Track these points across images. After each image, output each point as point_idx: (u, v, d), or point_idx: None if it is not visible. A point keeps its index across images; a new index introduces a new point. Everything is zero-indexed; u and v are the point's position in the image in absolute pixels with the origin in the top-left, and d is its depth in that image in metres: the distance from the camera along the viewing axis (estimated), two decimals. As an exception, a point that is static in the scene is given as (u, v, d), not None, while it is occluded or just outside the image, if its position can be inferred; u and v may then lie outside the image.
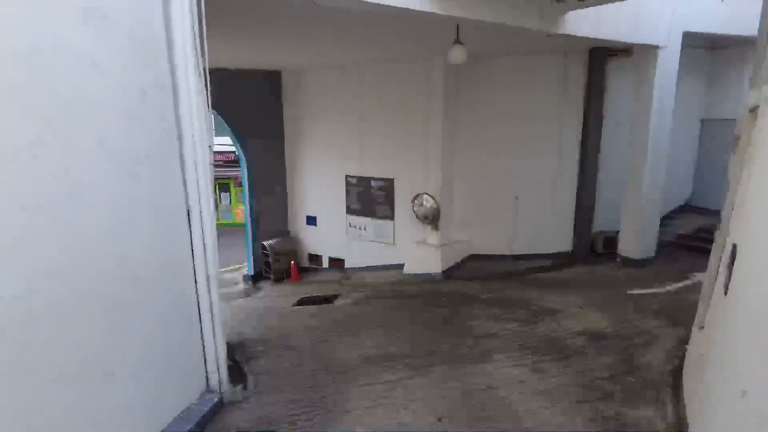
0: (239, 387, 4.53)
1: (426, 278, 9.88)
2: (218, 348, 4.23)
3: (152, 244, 3.36)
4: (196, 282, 4.02)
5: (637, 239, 8.81)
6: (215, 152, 20.59)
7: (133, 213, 3.08)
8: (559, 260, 9.93)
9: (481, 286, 8.99)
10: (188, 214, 3.85)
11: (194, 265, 3.97)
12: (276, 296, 11.48)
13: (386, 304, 8.52)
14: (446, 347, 5.55)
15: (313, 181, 12.68)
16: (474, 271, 10.02)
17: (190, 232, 3.89)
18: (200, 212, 3.90)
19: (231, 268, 15.45)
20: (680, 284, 7.62)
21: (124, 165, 2.97)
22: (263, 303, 10.84)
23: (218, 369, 4.24)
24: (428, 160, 10.00)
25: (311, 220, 12.98)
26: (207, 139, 3.95)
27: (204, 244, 3.98)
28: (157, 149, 3.35)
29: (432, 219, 9.80)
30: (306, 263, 13.34)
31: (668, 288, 7.48)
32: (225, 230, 20.43)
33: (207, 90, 3.97)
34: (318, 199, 12.68)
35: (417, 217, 9.99)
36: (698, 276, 7.96)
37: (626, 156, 9.09)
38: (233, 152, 18.42)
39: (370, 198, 11.52)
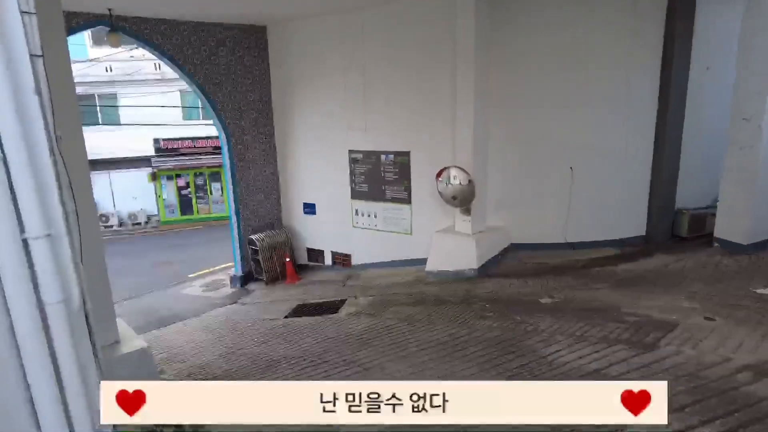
0: None
1: (456, 276, 7.61)
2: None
3: None
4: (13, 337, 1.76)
5: (745, 217, 6.47)
6: (203, 138, 18.31)
7: None
8: (631, 248, 7.62)
9: (534, 285, 6.72)
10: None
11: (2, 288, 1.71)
12: (267, 302, 9.28)
13: (406, 314, 6.27)
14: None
15: (309, 160, 10.39)
16: (518, 266, 7.74)
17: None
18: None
19: (218, 267, 13.27)
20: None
21: None
22: (249, 312, 8.62)
23: None
24: (456, 125, 7.68)
25: (309, 208, 10.72)
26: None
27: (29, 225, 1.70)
28: None
29: (463, 199, 7.51)
30: (304, 260, 11.09)
31: (823, 285, 5.17)
32: (215, 224, 18.07)
33: None
34: (316, 182, 10.40)
35: (443, 197, 7.70)
36: None
37: (723, 109, 6.77)
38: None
39: (380, 177, 9.23)
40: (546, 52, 7.52)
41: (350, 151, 9.55)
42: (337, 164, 9.79)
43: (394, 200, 9.13)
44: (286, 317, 7.66)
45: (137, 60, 19.31)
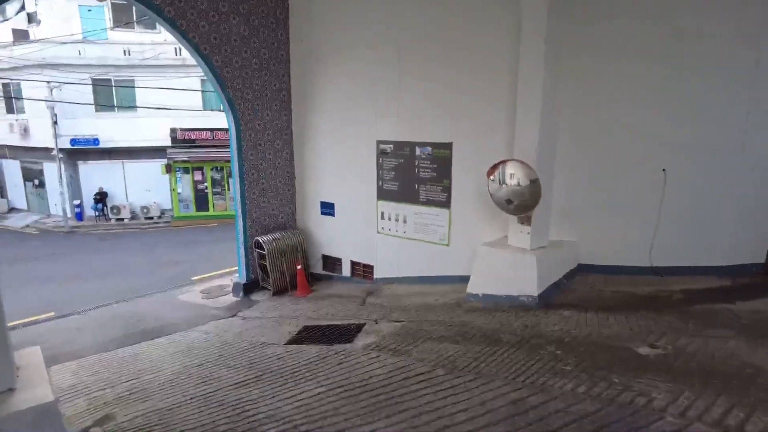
0: None
1: (508, 303, 5.88)
2: None
3: None
4: None
5: None
6: (222, 129, 17.12)
7: None
8: (744, 278, 5.76)
9: (620, 324, 4.93)
10: None
11: None
12: (270, 319, 7.69)
13: (444, 354, 4.59)
14: None
15: (330, 152, 8.81)
16: (591, 295, 5.95)
17: None
18: None
19: (224, 271, 11.85)
20: None
21: None
22: (246, 331, 7.04)
23: None
24: (518, 109, 5.98)
25: (327, 209, 9.14)
26: None
27: None
28: None
29: (521, 204, 5.79)
30: (319, 269, 9.50)
31: None
32: (231, 223, 16.95)
33: None
34: (337, 178, 8.81)
35: (495, 200, 6.00)
36: None
37: None
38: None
39: (413, 174, 7.57)
40: (639, 18, 5.76)
41: (378, 142, 7.93)
42: (363, 157, 8.19)
43: (429, 203, 7.45)
44: (287, 342, 6.04)
45: (158, 44, 18.18)
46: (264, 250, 8.89)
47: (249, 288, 9.28)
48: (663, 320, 4.90)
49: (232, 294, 9.54)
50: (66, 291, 11.66)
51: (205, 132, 18.71)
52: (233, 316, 8.30)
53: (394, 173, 7.81)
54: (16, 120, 19.34)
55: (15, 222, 19.93)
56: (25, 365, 3.34)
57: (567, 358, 4.16)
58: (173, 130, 18.53)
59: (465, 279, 6.56)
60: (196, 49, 7.99)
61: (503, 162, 5.84)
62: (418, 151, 7.40)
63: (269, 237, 9.04)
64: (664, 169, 5.93)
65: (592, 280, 6.27)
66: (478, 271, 6.27)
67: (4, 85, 19.72)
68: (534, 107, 5.72)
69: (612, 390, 3.46)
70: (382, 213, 8.12)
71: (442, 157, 7.16)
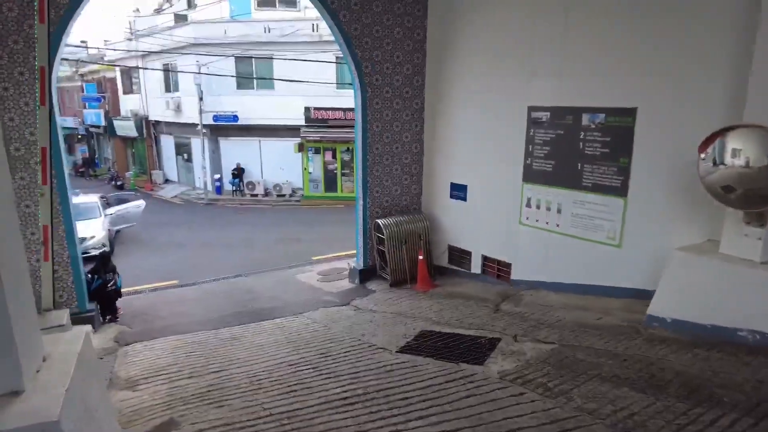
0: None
1: (715, 336, 4.04)
2: None
3: None
4: None
5: None
6: (352, 110, 16.61)
7: None
8: None
9: None
10: None
11: None
12: (383, 314, 6.61)
13: (623, 410, 3.04)
14: None
15: (467, 123, 7.41)
16: None
17: None
18: None
19: (346, 253, 11.12)
20: None
21: None
22: (356, 326, 6.01)
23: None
24: (755, 55, 4.04)
25: (458, 191, 7.77)
26: None
27: None
28: None
29: (749, 194, 3.89)
30: (443, 261, 8.20)
31: None
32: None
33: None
34: (473, 155, 7.39)
35: (705, 185, 4.16)
36: None
37: None
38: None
39: (576, 150, 5.87)
40: None
41: (531, 109, 6.34)
42: (508, 129, 6.66)
43: (595, 188, 5.70)
44: (400, 350, 4.86)
45: (296, 20, 18.19)
46: (383, 235, 7.84)
47: (365, 275, 8.31)
48: None
49: (348, 279, 8.69)
50: (195, 258, 11.88)
51: (337, 111, 18.35)
52: (346, 304, 7.37)
53: (548, 149, 6.17)
54: (172, 98, 20.82)
55: (166, 192, 21.63)
56: (56, 356, 2.53)
57: None
58: (307, 109, 18.46)
59: (643, 294, 4.80)
60: (323, 2, 7.09)
61: (725, 131, 3.97)
62: (585, 119, 5.68)
63: (390, 220, 7.95)
64: None
65: None
66: (668, 286, 4.46)
67: (164, 65, 21.32)
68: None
69: None
70: (528, 199, 6.54)
71: (619, 126, 5.37)
